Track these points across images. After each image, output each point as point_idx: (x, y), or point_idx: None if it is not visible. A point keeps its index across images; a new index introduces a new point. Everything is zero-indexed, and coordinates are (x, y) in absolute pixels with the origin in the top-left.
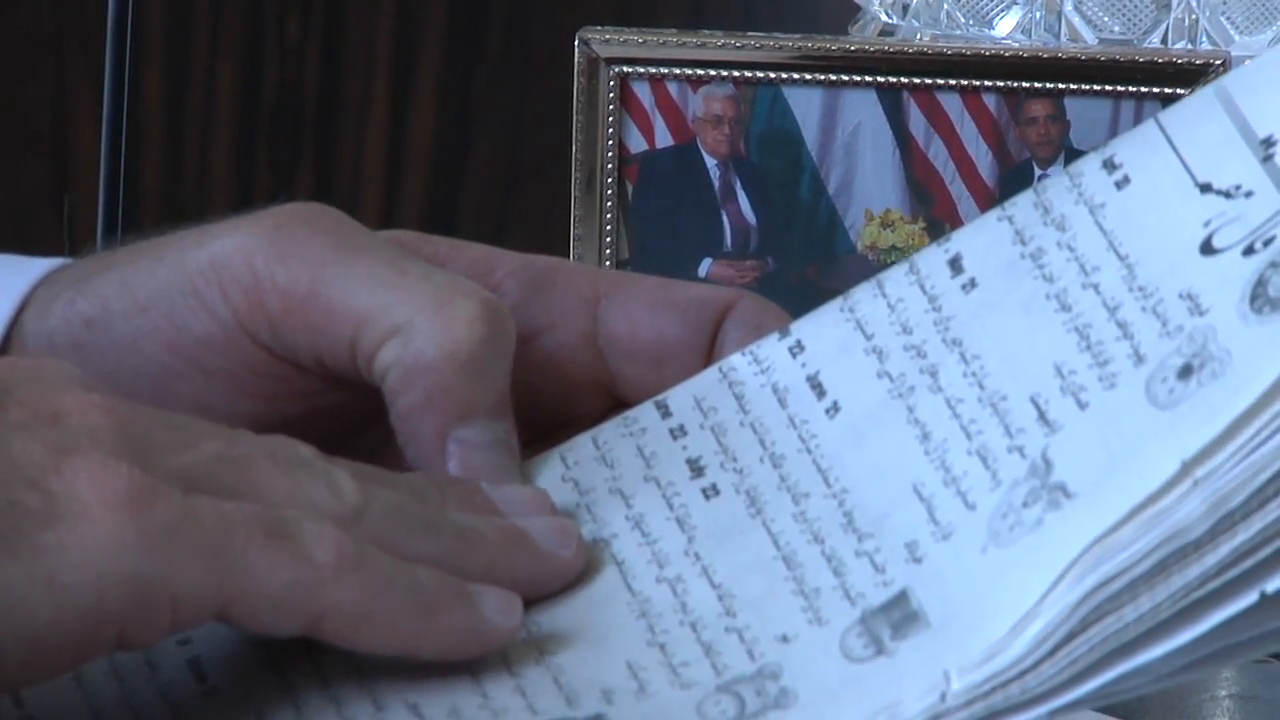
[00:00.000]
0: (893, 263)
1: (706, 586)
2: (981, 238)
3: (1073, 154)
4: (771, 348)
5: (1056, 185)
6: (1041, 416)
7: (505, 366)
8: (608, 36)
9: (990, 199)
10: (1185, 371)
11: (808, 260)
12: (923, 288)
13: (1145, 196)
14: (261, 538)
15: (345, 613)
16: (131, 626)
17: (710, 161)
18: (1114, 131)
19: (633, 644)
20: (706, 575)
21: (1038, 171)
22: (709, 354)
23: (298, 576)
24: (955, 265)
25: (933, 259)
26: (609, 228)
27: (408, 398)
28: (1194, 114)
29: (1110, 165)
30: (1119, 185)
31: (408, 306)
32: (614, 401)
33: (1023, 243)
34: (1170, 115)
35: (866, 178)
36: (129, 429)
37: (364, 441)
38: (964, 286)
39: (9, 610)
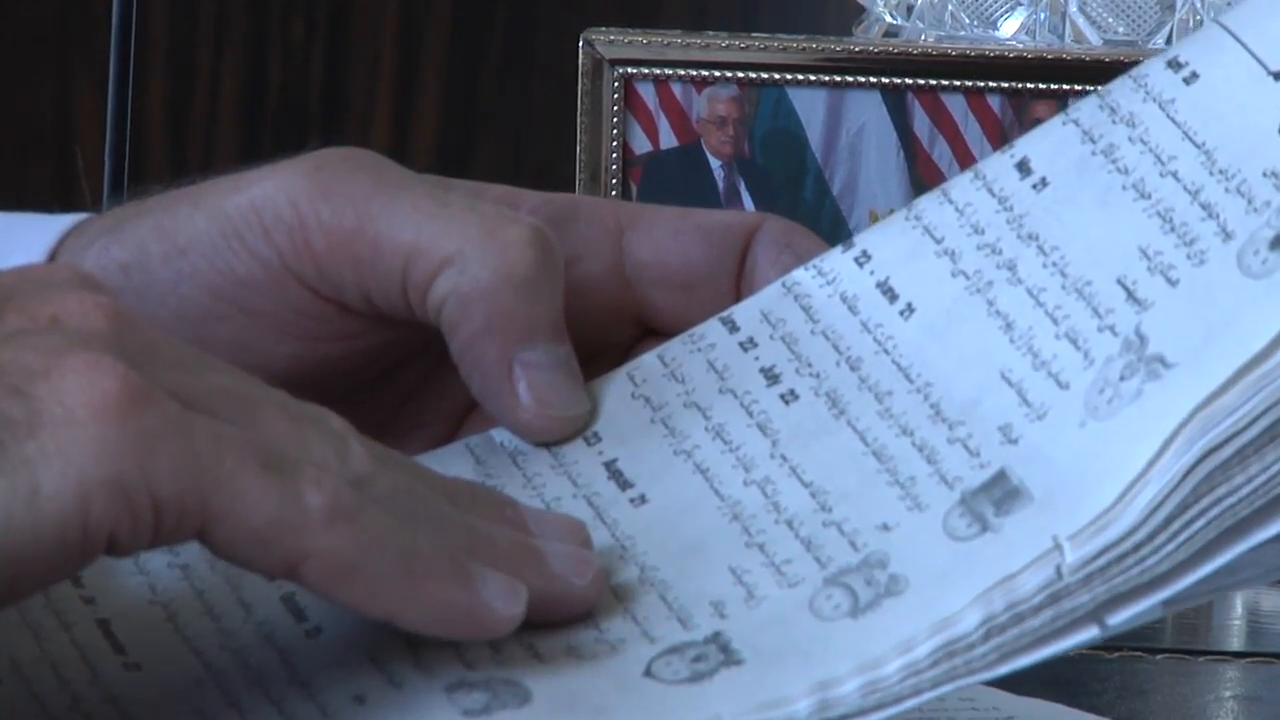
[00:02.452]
0: None
1: (797, 485)
2: (1047, 140)
3: None
4: (835, 260)
5: (1121, 87)
6: (1131, 296)
7: (559, 289)
8: (612, 38)
9: None
10: (1277, 242)
11: None
12: (991, 190)
13: (1216, 89)
14: (255, 466)
15: (329, 562)
16: (121, 531)
17: (714, 163)
18: None
19: (731, 547)
20: (796, 475)
21: None
22: (738, 276)
23: (284, 515)
24: (1023, 167)
25: (998, 164)
26: None
27: (469, 326)
28: (1257, 12)
29: (1175, 64)
30: (1187, 81)
31: (457, 236)
32: (644, 331)
33: (1092, 141)
34: (1231, 16)
35: (871, 179)
36: (132, 335)
37: (397, 387)
38: (1034, 186)
39: None
